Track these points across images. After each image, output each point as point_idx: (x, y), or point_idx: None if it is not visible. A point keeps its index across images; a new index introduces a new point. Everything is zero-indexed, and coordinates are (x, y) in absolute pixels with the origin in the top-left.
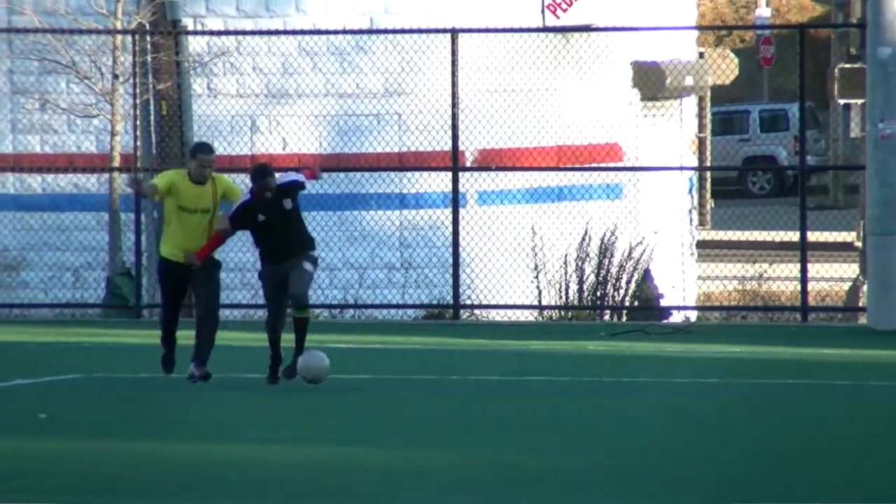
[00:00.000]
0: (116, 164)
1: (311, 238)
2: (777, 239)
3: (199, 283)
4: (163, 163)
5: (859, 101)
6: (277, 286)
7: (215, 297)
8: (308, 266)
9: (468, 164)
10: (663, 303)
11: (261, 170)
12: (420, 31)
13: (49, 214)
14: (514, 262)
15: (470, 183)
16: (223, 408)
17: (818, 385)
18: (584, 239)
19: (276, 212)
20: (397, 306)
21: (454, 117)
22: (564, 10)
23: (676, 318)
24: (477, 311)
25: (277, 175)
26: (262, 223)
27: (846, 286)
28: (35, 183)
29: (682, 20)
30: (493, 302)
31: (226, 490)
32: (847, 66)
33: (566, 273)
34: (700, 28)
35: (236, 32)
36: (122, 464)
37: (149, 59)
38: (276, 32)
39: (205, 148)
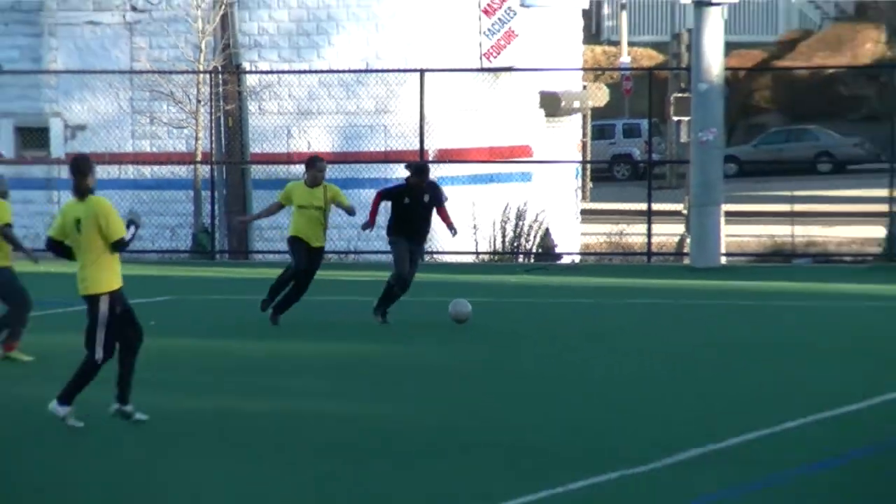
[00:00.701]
0: (199, 158)
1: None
2: (632, 208)
3: (314, 260)
4: (228, 157)
5: (687, 118)
6: (404, 256)
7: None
8: (419, 261)
9: (430, 159)
10: (558, 250)
11: (420, 168)
12: (399, 70)
13: (155, 192)
14: (461, 224)
15: (431, 171)
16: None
17: (657, 303)
18: (505, 209)
19: (418, 201)
20: (383, 252)
21: (421, 128)
22: (495, 57)
23: (566, 260)
24: (436, 256)
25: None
26: (405, 205)
27: (676, 239)
28: (146, 171)
29: (572, 64)
30: (447, 250)
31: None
32: (679, 95)
33: (494, 231)
34: (583, 69)
35: (278, 72)
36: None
37: (220, 89)
38: (304, 72)
39: (319, 162)
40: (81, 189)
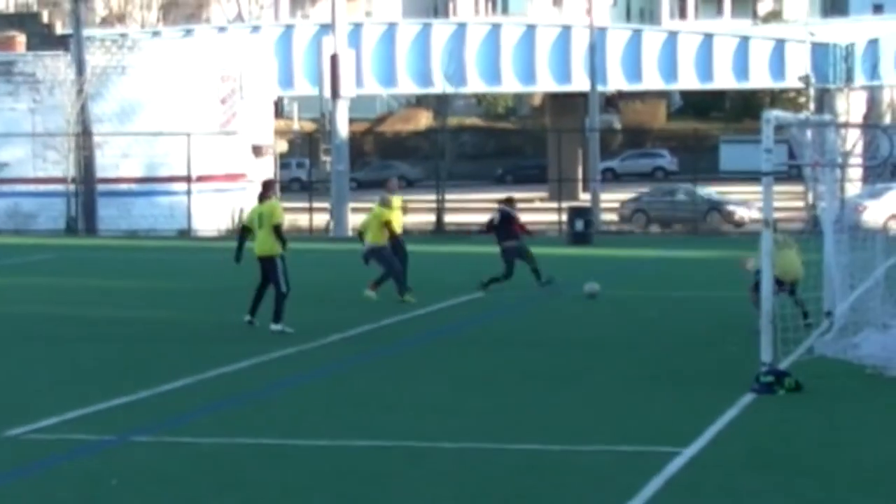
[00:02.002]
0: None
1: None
2: (303, 206)
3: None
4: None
5: (329, 158)
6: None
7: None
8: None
9: (194, 180)
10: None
11: (507, 201)
12: (173, 133)
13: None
14: (215, 213)
15: (194, 187)
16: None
17: (332, 256)
18: (234, 207)
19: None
20: (168, 230)
21: (188, 164)
22: (229, 124)
23: None
24: (198, 233)
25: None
26: (496, 224)
27: (326, 221)
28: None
29: (268, 128)
30: (204, 228)
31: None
32: (325, 146)
33: (231, 216)
34: (274, 132)
35: (113, 134)
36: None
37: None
38: (132, 133)
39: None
40: (262, 198)
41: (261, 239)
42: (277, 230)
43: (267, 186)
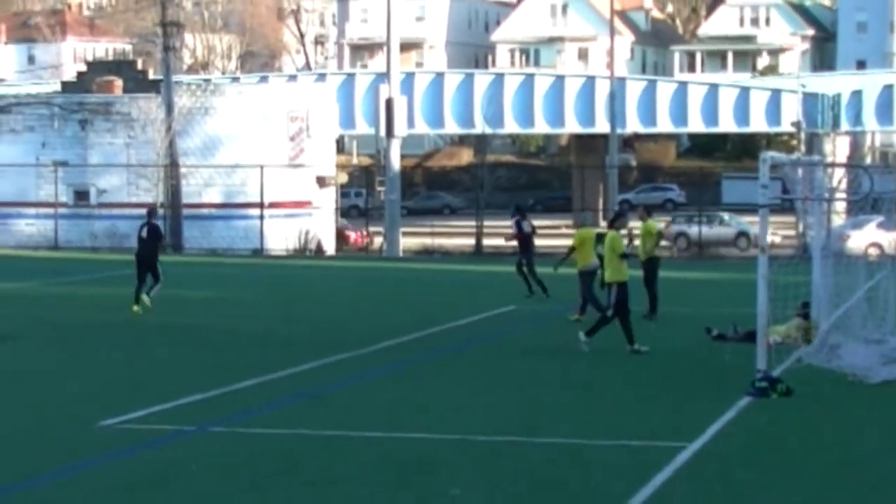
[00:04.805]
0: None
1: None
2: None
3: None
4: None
5: (383, 188)
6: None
7: None
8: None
9: (266, 206)
10: (326, 250)
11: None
12: (248, 166)
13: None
14: (281, 236)
15: (267, 212)
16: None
17: (363, 275)
18: (300, 231)
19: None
20: (242, 249)
21: (261, 192)
22: (297, 158)
23: (328, 253)
24: (270, 251)
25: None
26: (527, 233)
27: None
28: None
29: (331, 162)
30: (273, 247)
31: None
32: (380, 178)
33: (297, 240)
34: (335, 165)
35: (197, 166)
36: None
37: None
38: (213, 166)
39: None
40: (611, 225)
41: (609, 265)
42: (621, 258)
43: (619, 215)
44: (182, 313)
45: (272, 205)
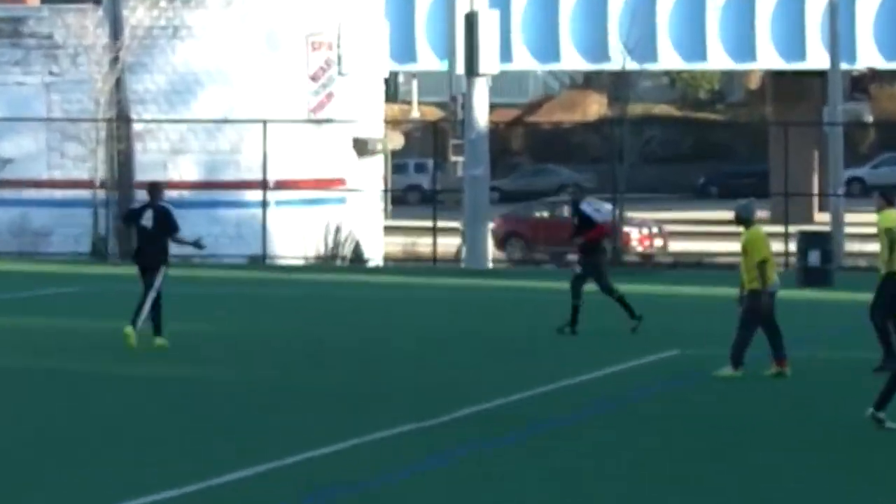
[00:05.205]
0: (97, 185)
1: None
2: (422, 225)
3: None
4: (119, 184)
5: (461, 158)
6: None
7: None
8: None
9: (271, 186)
10: (366, 256)
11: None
12: (248, 121)
13: (63, 209)
14: (293, 235)
15: (271, 196)
16: None
17: (436, 295)
18: (327, 225)
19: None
20: (235, 256)
21: (264, 164)
22: (319, 111)
23: (372, 264)
24: (275, 259)
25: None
26: (598, 222)
27: (454, 248)
28: (57, 193)
29: (376, 117)
30: (283, 254)
31: None
32: (455, 141)
33: (319, 241)
34: (385, 121)
35: (157, 121)
36: None
37: (114, 133)
38: (176, 121)
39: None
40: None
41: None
42: (762, 267)
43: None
44: (182, 359)
45: (281, 185)
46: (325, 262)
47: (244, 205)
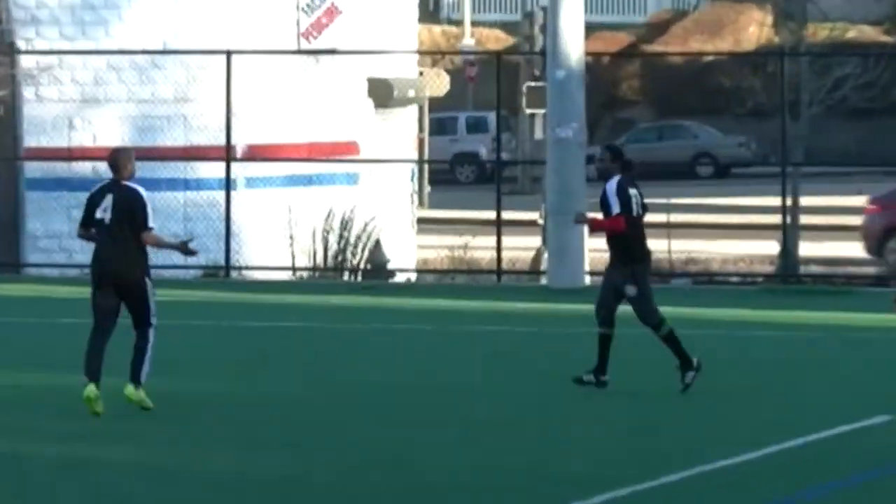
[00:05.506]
0: None
1: None
2: (479, 217)
3: None
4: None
5: (542, 111)
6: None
7: None
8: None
9: (238, 156)
10: (390, 266)
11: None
12: (202, 52)
13: None
14: (274, 233)
15: (239, 171)
16: None
17: (505, 331)
18: (328, 216)
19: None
20: (181, 267)
21: (228, 119)
22: (316, 37)
23: (400, 278)
24: (244, 272)
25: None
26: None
27: (531, 254)
28: None
29: (405, 46)
30: (257, 264)
31: None
32: (533, 84)
33: (315, 242)
34: (419, 52)
35: (58, 52)
36: None
37: None
38: (89, 52)
39: None
40: None
41: None
42: None
43: None
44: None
45: (255, 153)
46: (325, 276)
47: (197, 185)
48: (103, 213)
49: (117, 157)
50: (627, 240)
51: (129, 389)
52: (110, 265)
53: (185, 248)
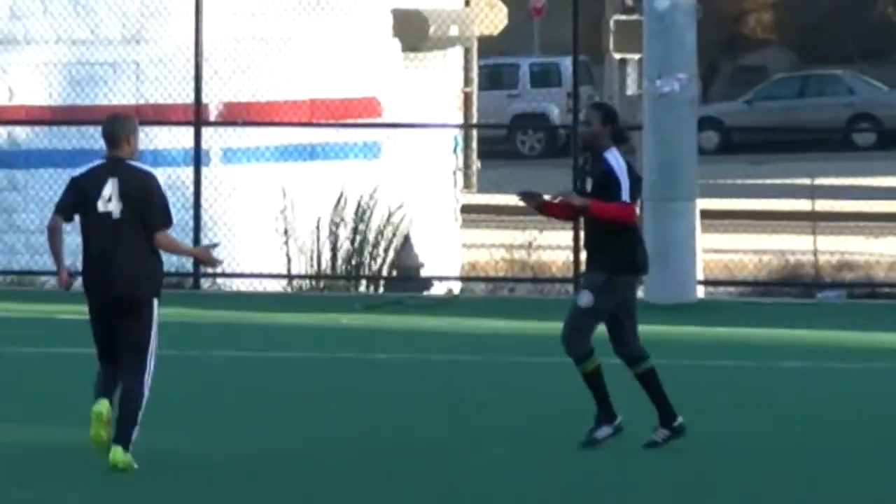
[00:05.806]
0: None
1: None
2: None
3: None
4: None
5: (636, 56)
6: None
7: None
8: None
9: (212, 119)
10: (424, 273)
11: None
12: None
13: None
14: (262, 226)
15: (214, 139)
16: None
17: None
18: (338, 202)
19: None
20: None
21: (197, 67)
22: None
23: (438, 289)
24: (220, 280)
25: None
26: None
27: None
28: None
29: None
30: (238, 270)
31: None
32: (623, 17)
33: (318, 239)
34: None
35: None
36: None
37: None
38: None
39: None
40: None
41: None
42: None
43: None
44: None
45: (235, 115)
46: (334, 287)
47: (153, 159)
48: (107, 204)
49: (116, 128)
50: (632, 238)
51: (118, 454)
52: (114, 275)
53: (206, 257)
